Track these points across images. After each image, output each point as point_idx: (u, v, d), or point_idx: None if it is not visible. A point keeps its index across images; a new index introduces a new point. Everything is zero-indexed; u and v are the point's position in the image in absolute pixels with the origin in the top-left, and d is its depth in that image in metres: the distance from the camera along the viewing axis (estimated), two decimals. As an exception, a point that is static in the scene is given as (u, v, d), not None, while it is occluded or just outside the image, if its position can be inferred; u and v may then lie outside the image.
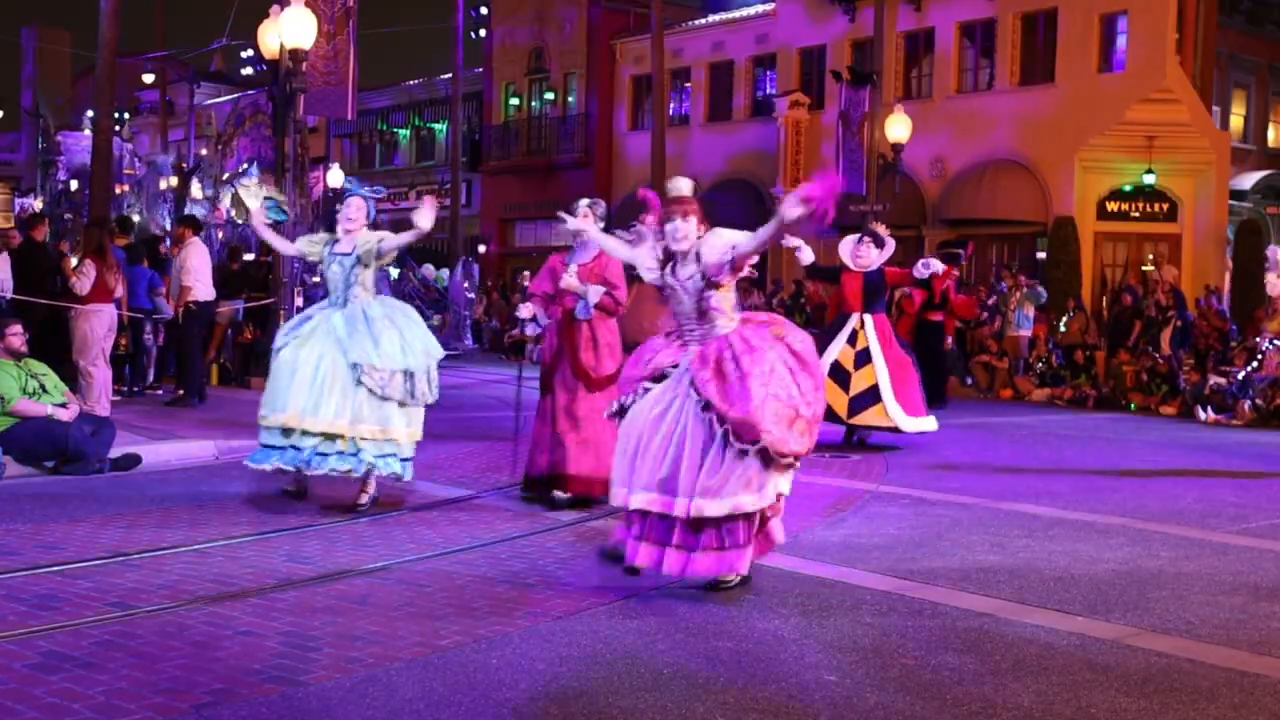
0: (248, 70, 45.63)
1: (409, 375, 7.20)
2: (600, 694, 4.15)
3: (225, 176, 30.35)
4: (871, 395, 10.59)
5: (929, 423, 10.88)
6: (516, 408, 8.91)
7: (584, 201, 7.64)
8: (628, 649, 4.68)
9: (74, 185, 37.30)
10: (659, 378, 5.61)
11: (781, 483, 5.55)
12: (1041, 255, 24.62)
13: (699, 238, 5.53)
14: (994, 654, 4.73)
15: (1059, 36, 24.36)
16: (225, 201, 28.99)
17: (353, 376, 7.13)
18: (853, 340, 10.80)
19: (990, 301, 19.73)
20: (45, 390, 8.90)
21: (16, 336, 8.94)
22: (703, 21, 31.83)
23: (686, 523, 5.29)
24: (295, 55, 14.32)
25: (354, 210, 7.52)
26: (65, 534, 6.59)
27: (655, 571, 5.42)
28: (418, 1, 68.18)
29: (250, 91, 38.46)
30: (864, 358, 10.71)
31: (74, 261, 12.65)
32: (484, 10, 36.18)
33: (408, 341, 7.26)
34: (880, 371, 10.62)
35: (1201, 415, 14.99)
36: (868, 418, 10.65)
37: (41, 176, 42.72)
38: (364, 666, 4.36)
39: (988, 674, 4.48)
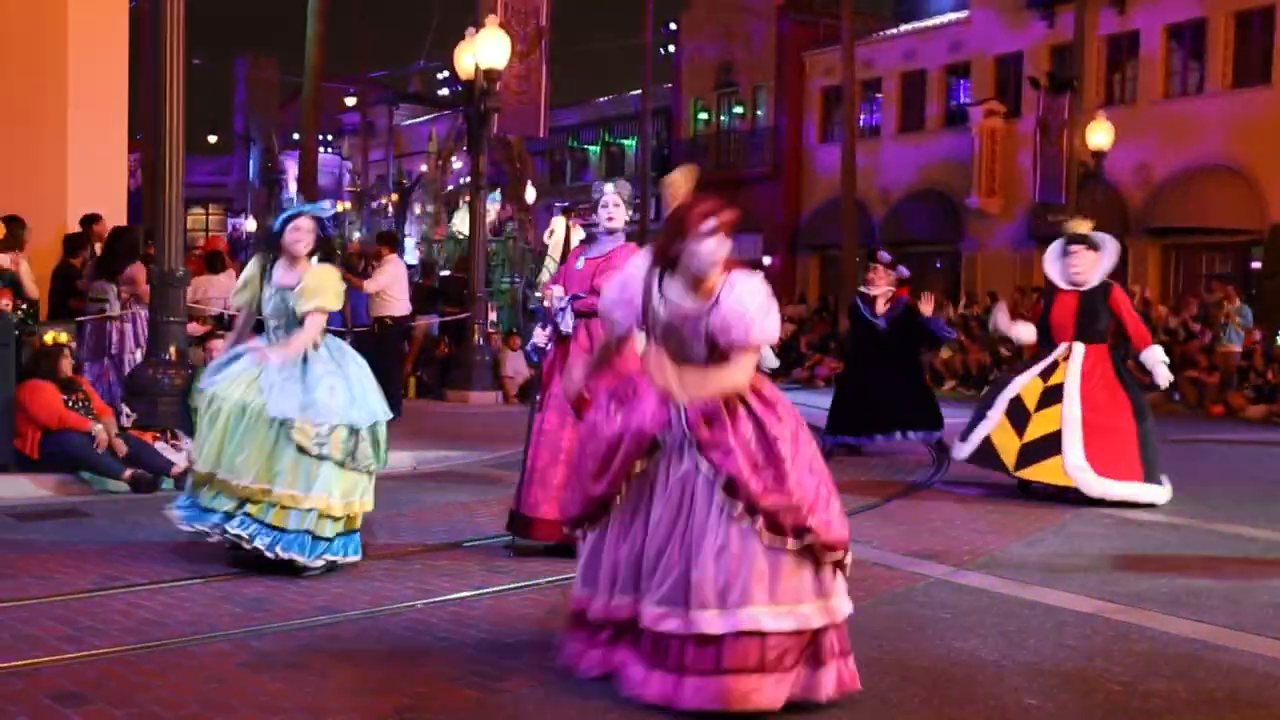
0: (444, 91, 47.06)
1: (353, 431, 5.95)
2: (790, 711, 4.09)
3: (445, 192, 31.14)
4: (1051, 444, 8.39)
5: (1146, 491, 8.34)
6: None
7: (609, 187, 6.64)
8: (820, 666, 4.60)
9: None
10: (650, 448, 4.17)
11: (840, 594, 4.13)
12: (1256, 265, 23.46)
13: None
14: (1207, 682, 4.50)
15: (1276, 36, 23.21)
16: (455, 217, 29.52)
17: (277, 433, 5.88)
18: (1048, 373, 8.68)
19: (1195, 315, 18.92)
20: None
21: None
22: (894, 31, 31.42)
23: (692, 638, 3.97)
24: (490, 75, 14.70)
25: (302, 233, 6.10)
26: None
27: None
28: (608, 20, 69.26)
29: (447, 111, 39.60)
30: (1053, 395, 8.52)
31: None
32: (673, 26, 36.49)
33: (355, 395, 6.02)
34: (1071, 415, 8.38)
35: None
36: (1038, 472, 8.46)
37: (268, 196, 44.69)
38: (558, 675, 4.40)
39: (1201, 703, 4.26)
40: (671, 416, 4.13)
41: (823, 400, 12.65)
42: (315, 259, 6.14)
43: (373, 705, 4.06)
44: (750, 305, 4.07)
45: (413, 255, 29.70)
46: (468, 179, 21.47)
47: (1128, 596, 5.81)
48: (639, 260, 4.35)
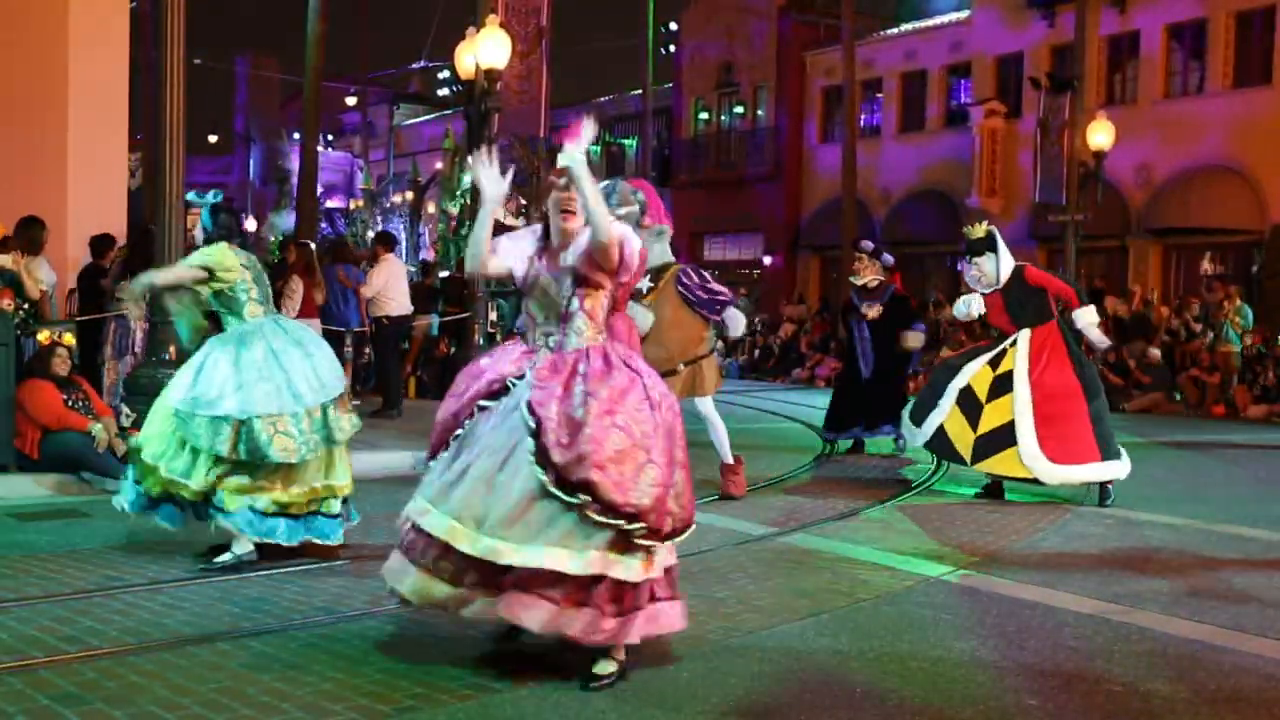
0: (444, 91, 47.08)
1: (225, 421, 6.00)
2: (792, 712, 4.10)
3: (462, 190, 31.04)
4: (1004, 436, 8.32)
5: (1104, 469, 8.35)
6: None
7: (614, 185, 6.66)
8: (820, 667, 4.61)
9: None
10: (499, 393, 4.48)
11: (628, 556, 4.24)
12: (1255, 267, 23.46)
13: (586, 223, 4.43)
14: (1208, 684, 4.50)
15: (1277, 36, 23.20)
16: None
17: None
18: (996, 361, 8.61)
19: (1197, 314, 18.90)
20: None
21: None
22: (894, 31, 31.40)
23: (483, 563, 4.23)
24: (490, 75, 14.69)
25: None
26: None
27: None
28: (608, 19, 69.29)
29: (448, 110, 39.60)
30: (1003, 385, 8.45)
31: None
32: (673, 26, 36.49)
33: (243, 381, 6.08)
34: (1022, 402, 8.33)
35: None
36: (994, 464, 8.40)
37: (278, 194, 44.54)
38: (560, 675, 4.40)
39: (1202, 704, 4.26)
40: (527, 366, 4.45)
41: (823, 400, 12.64)
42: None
43: (373, 705, 4.06)
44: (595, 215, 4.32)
45: (429, 254, 29.62)
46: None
47: (1128, 596, 5.80)
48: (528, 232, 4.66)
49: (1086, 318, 8.69)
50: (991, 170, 27.55)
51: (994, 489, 8.85)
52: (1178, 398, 18.08)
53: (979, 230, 8.92)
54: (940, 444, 8.73)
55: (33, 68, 11.99)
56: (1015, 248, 14.33)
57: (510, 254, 4.60)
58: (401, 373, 14.91)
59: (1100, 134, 21.18)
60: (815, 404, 15.23)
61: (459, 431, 4.49)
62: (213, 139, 54.58)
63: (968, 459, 8.49)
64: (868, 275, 11.14)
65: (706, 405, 8.66)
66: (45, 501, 8.14)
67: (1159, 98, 25.27)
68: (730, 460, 8.69)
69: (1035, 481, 8.40)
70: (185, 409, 6.01)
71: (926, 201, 29.43)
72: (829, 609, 5.43)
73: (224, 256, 6.28)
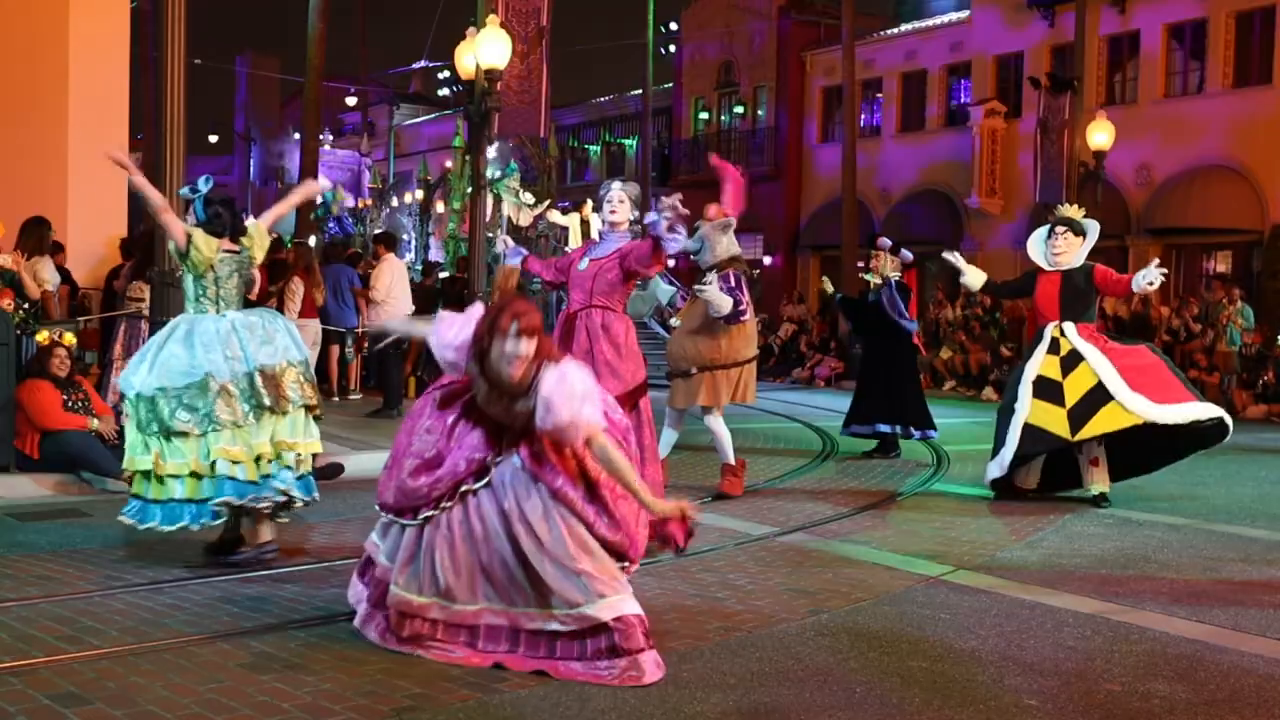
0: (444, 91, 47.03)
1: (139, 398, 6.19)
2: (792, 712, 4.10)
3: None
4: (1097, 395, 8.17)
5: (1206, 408, 8.20)
6: None
7: (617, 184, 6.79)
8: (819, 666, 4.61)
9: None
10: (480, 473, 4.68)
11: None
12: (1255, 267, 23.45)
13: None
14: (1208, 684, 4.50)
15: (1277, 36, 23.19)
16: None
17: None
18: (1054, 349, 8.55)
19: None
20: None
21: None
22: (894, 31, 31.40)
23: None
24: (490, 75, 14.69)
25: None
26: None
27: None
28: (608, 19, 69.26)
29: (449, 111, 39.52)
30: (1073, 361, 8.38)
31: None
32: (673, 26, 36.49)
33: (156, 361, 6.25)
34: (1101, 364, 8.25)
35: None
36: (1098, 424, 8.12)
37: (278, 194, 44.54)
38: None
39: (1201, 705, 4.26)
40: (501, 449, 4.58)
41: (824, 400, 12.65)
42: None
43: (372, 705, 4.06)
44: (558, 394, 4.38)
45: (436, 253, 29.54)
46: (498, 175, 21.41)
47: (1128, 596, 5.81)
48: (477, 315, 4.66)
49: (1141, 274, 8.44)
50: (991, 170, 27.54)
51: (1010, 489, 8.72)
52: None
53: (1074, 211, 9.04)
54: (1031, 440, 8.35)
55: (33, 68, 11.98)
56: (1016, 248, 14.36)
57: (458, 353, 4.71)
58: (401, 373, 14.91)
59: (1100, 134, 21.18)
60: (815, 404, 15.23)
61: None
62: (213, 139, 54.54)
63: (1067, 434, 8.21)
64: (886, 271, 11.05)
65: (711, 417, 8.65)
66: (45, 501, 8.14)
67: (1159, 98, 25.26)
68: (732, 461, 8.69)
69: (1151, 425, 8.11)
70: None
71: (926, 202, 29.42)
72: (829, 609, 5.43)
73: (205, 245, 6.26)
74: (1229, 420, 8.34)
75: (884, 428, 11.02)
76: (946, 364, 21.35)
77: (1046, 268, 8.82)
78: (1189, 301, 19.93)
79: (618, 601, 4.43)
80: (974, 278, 9.27)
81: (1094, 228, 8.83)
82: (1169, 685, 4.46)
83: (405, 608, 4.62)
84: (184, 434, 6.01)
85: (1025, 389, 8.50)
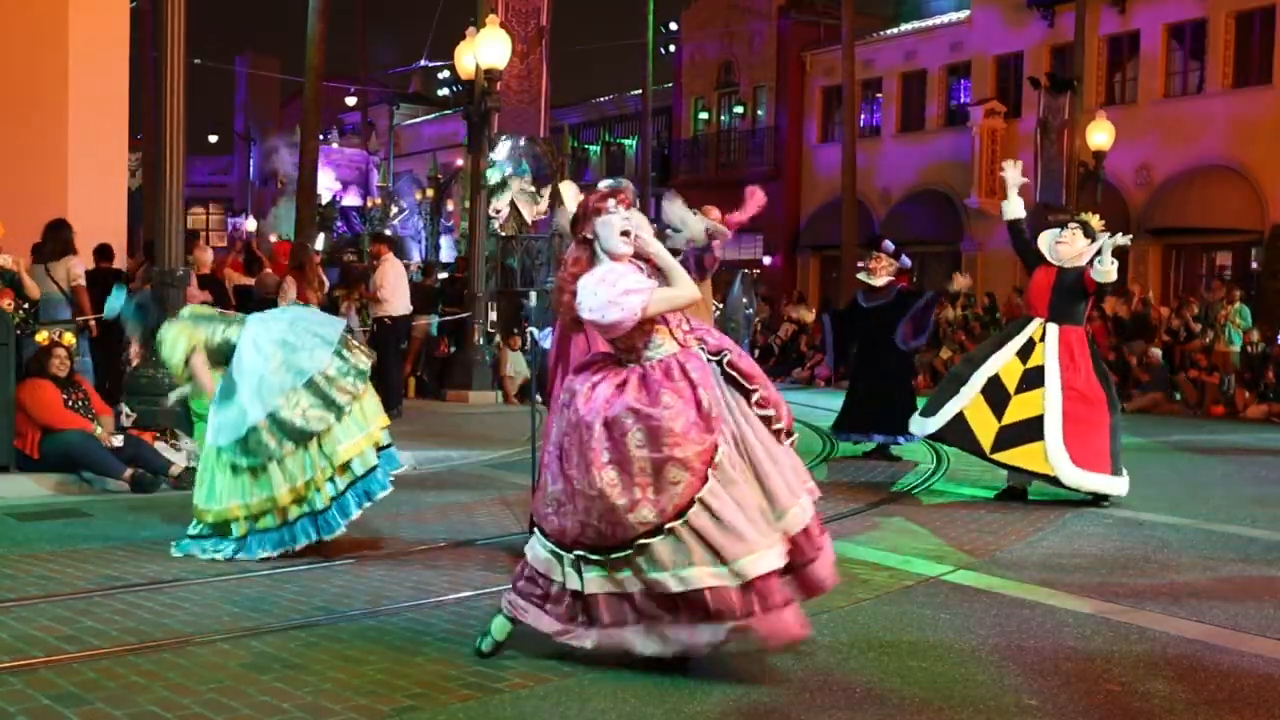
0: (444, 91, 47.02)
1: None
2: (793, 712, 4.10)
3: (487, 186, 30.93)
4: (1032, 429, 8.27)
5: (1112, 483, 8.35)
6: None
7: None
8: (820, 666, 4.61)
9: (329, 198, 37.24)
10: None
11: None
12: (1255, 265, 23.47)
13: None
14: (1208, 684, 4.49)
15: (1277, 36, 23.21)
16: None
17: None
18: (1025, 353, 8.53)
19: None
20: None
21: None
22: (894, 31, 31.41)
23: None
24: (490, 75, 14.70)
25: None
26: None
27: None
28: (608, 19, 69.26)
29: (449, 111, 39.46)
30: (1034, 379, 8.40)
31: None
32: (673, 26, 36.50)
33: None
34: (1053, 399, 8.32)
35: None
36: (1016, 456, 8.28)
37: (277, 193, 44.45)
38: (558, 675, 4.40)
39: (1201, 704, 4.26)
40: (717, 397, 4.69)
41: (823, 400, 12.66)
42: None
43: (372, 705, 4.06)
44: (582, 285, 4.37)
45: (448, 252, 29.52)
46: (508, 173, 21.40)
47: (1128, 596, 5.80)
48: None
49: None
50: (991, 170, 27.51)
51: (1014, 492, 8.76)
52: (1177, 397, 18.08)
53: (1094, 219, 9.00)
54: (956, 431, 8.48)
55: (33, 68, 11.99)
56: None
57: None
58: (402, 373, 14.91)
59: (1100, 134, 21.21)
60: (815, 404, 15.23)
61: None
62: (213, 139, 54.53)
63: (986, 448, 8.34)
64: (884, 275, 11.02)
65: None
66: (45, 501, 8.14)
67: (1159, 98, 25.28)
68: None
69: (1051, 480, 8.32)
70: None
71: (926, 201, 29.44)
72: (829, 609, 5.42)
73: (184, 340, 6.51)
74: (1115, 498, 8.42)
75: (879, 438, 11.00)
76: (946, 364, 21.35)
77: (1048, 259, 8.83)
78: (1189, 301, 19.93)
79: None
80: (1014, 206, 9.04)
81: (1106, 244, 8.58)
82: (1169, 685, 4.46)
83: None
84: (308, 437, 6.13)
85: (978, 380, 8.52)
